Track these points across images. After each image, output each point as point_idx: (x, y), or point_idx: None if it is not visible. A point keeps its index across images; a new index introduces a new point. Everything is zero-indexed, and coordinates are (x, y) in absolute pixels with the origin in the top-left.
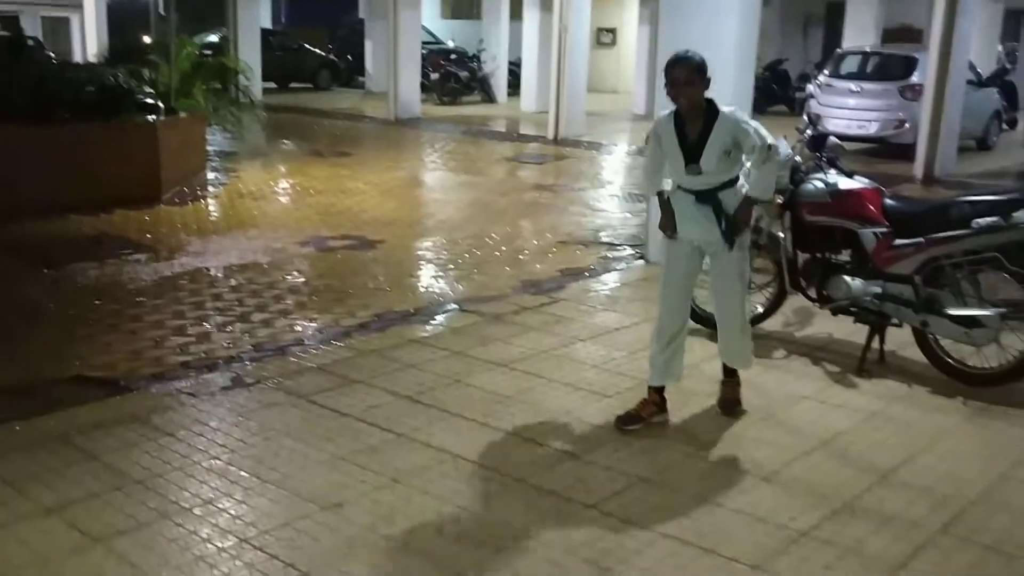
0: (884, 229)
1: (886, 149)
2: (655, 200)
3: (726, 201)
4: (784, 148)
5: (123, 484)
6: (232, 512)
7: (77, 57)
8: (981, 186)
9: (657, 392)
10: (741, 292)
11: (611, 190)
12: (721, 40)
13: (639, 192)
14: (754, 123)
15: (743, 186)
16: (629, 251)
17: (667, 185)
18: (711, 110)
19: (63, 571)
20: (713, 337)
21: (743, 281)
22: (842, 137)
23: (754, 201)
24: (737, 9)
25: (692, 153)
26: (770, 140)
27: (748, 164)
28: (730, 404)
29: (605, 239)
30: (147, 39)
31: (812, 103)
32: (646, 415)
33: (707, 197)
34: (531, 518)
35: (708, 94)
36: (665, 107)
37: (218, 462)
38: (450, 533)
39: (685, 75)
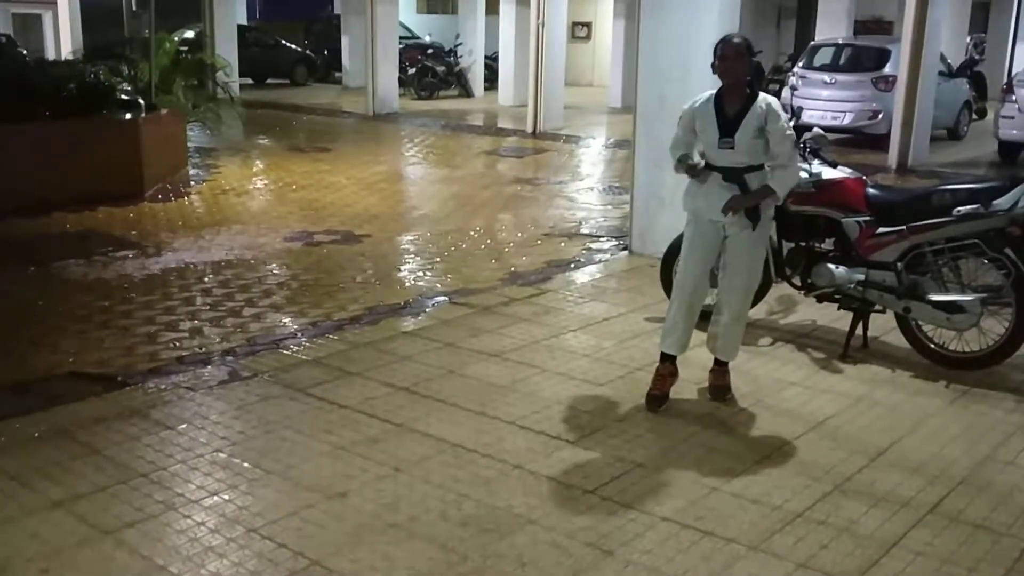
0: (867, 218)
1: (860, 139)
2: (639, 193)
3: (751, 183)
4: None
5: (128, 477)
6: (238, 503)
7: (50, 54)
8: (954, 175)
9: (671, 362)
10: (746, 283)
11: (591, 183)
12: (701, 35)
13: (619, 186)
14: (788, 123)
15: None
16: (612, 243)
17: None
18: (752, 92)
19: (74, 563)
20: (702, 327)
21: (751, 274)
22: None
23: (771, 191)
24: (717, 4)
25: (728, 128)
26: (793, 155)
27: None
28: (720, 391)
29: (588, 231)
30: (125, 35)
31: (787, 94)
32: (669, 389)
33: (733, 176)
34: (532, 503)
35: (694, 88)
36: (652, 100)
37: (221, 455)
38: (454, 519)
39: (734, 51)
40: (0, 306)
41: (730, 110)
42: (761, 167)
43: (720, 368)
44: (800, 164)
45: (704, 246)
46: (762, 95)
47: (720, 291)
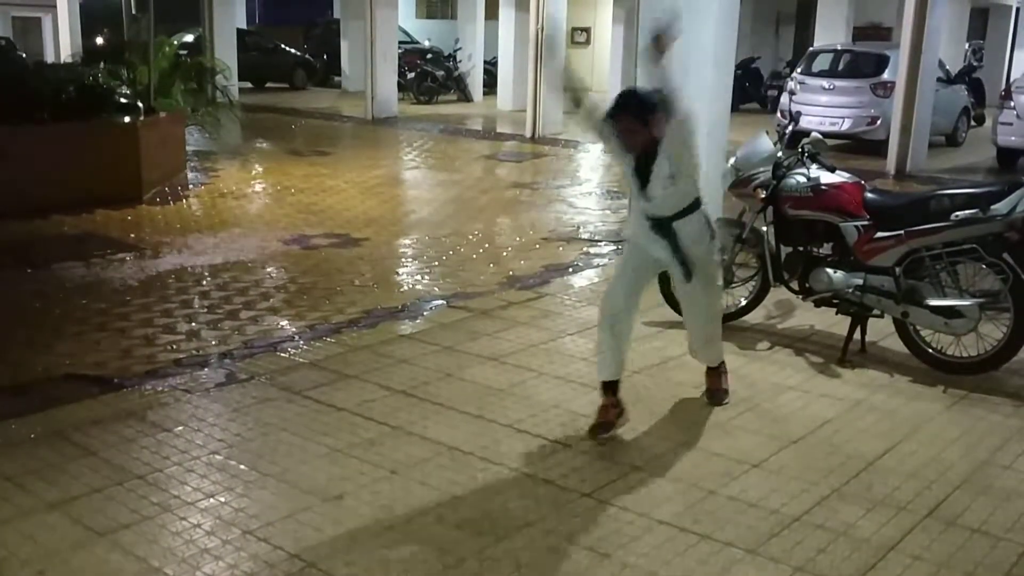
0: (865, 222)
1: (858, 146)
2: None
3: (682, 231)
4: (768, 144)
5: (124, 479)
6: (234, 505)
7: (49, 57)
8: (952, 181)
9: (612, 391)
10: (707, 303)
11: (590, 187)
12: (701, 39)
13: (618, 191)
14: (693, 142)
15: (704, 211)
16: (611, 247)
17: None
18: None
19: (69, 565)
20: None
21: (711, 301)
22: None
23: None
24: (716, 10)
25: (643, 178)
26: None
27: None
28: (717, 393)
29: (586, 235)
30: (124, 38)
31: (786, 100)
32: (613, 419)
33: (662, 228)
34: (529, 506)
35: (693, 94)
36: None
37: (217, 457)
38: (450, 522)
39: (627, 125)
40: None
41: (642, 162)
42: (690, 209)
43: (714, 372)
44: (799, 171)
45: (635, 273)
46: (668, 134)
47: (683, 312)
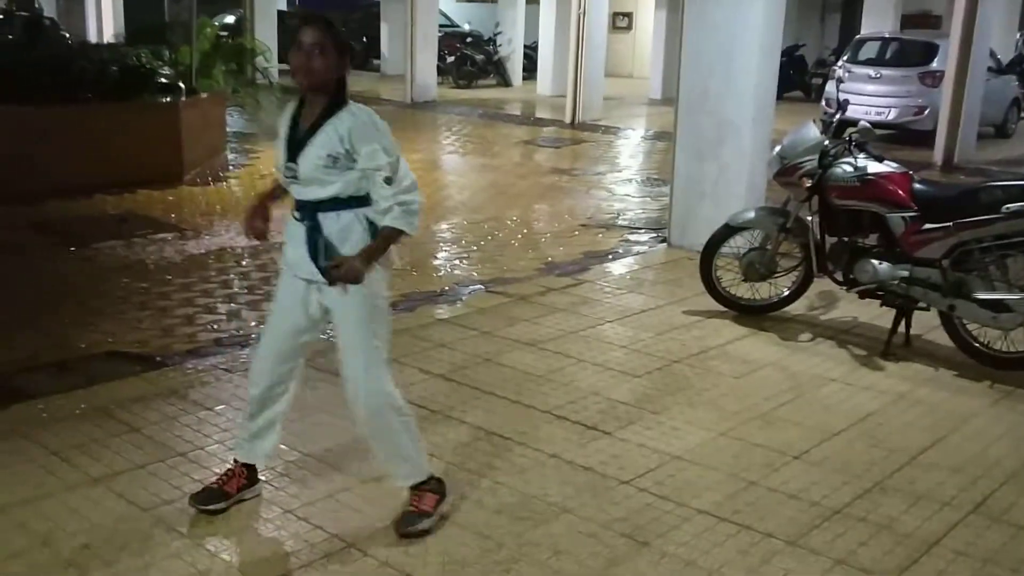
0: (913, 213)
1: (905, 136)
2: (679, 184)
3: (328, 225)
4: (814, 132)
5: (166, 456)
6: (275, 484)
7: (91, 37)
8: (1001, 173)
9: (244, 466)
10: (365, 365)
11: (629, 174)
12: (747, 25)
13: (658, 178)
14: (386, 142)
15: (364, 215)
16: (651, 235)
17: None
18: (338, 101)
19: (113, 539)
20: (739, 320)
21: (370, 352)
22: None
23: (395, 233)
24: None
25: (295, 148)
26: (392, 194)
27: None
28: (408, 519)
29: (626, 223)
30: (165, 19)
31: (832, 88)
32: (232, 490)
33: (305, 213)
34: (567, 493)
35: (738, 80)
36: (694, 91)
37: None
38: (489, 506)
39: (312, 41)
40: (41, 286)
41: (304, 124)
42: (345, 204)
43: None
44: (846, 160)
45: (284, 314)
46: (352, 106)
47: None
